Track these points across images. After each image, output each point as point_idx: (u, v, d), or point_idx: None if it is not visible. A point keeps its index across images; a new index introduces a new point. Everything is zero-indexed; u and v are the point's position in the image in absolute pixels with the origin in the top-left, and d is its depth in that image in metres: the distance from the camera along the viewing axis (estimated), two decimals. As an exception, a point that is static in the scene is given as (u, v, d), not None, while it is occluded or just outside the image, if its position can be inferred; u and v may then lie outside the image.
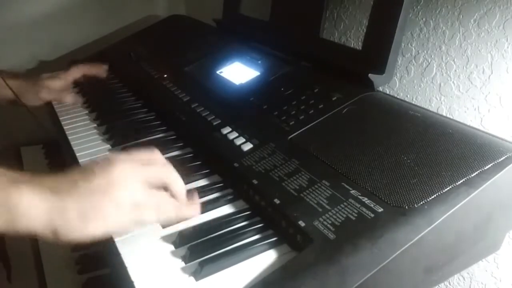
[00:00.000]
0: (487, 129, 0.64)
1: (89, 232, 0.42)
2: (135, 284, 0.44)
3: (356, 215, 0.45)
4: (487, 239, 0.54)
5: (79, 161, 0.68)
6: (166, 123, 0.77)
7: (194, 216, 0.51)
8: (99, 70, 0.98)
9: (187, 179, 0.60)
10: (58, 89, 0.92)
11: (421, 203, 0.45)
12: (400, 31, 0.63)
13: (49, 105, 0.93)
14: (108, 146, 0.72)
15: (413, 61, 0.74)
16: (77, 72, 0.95)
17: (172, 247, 0.49)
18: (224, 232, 0.50)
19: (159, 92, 0.85)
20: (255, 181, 0.54)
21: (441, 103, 0.71)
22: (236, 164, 0.58)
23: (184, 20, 1.20)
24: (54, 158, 1.08)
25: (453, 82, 0.69)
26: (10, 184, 0.40)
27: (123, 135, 0.74)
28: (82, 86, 0.98)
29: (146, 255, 0.48)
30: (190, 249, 0.47)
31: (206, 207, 0.54)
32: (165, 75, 0.89)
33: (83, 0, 1.22)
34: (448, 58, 0.69)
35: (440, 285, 0.75)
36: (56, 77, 0.93)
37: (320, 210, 0.47)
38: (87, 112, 0.87)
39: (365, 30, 0.70)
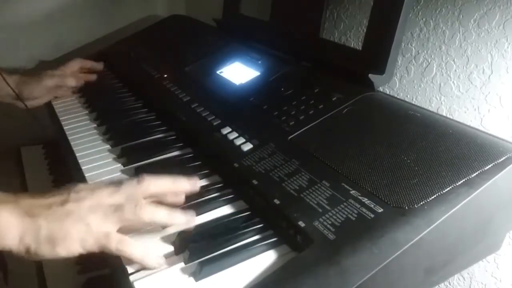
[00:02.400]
0: (487, 129, 0.64)
1: (57, 253, 0.45)
2: (135, 284, 0.44)
3: (356, 215, 0.45)
4: (487, 239, 0.54)
5: (79, 161, 0.68)
6: (166, 123, 0.77)
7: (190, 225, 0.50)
8: (95, 64, 1.01)
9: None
10: (54, 86, 0.94)
11: (421, 203, 0.45)
12: (400, 31, 0.63)
13: (49, 105, 0.93)
14: (108, 146, 0.72)
15: (413, 61, 0.74)
16: (74, 65, 0.97)
17: (172, 248, 0.49)
18: (224, 233, 0.50)
19: (159, 92, 0.85)
20: (255, 182, 0.54)
21: (441, 103, 0.71)
22: (236, 164, 0.58)
23: (184, 20, 1.20)
24: (54, 158, 1.08)
25: (453, 82, 0.68)
26: None
27: (123, 135, 0.74)
28: (82, 87, 0.98)
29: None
30: (190, 250, 0.47)
31: (206, 207, 0.54)
32: (165, 75, 0.89)
33: (83, 0, 1.22)
34: (448, 58, 0.69)
35: (440, 285, 0.75)
36: (54, 76, 0.94)
37: (320, 210, 0.47)
38: (87, 112, 0.87)
39: (365, 30, 0.70)
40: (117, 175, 0.64)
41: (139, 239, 0.50)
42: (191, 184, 0.53)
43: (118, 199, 0.47)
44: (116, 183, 0.49)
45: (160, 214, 0.48)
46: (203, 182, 0.60)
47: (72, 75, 0.96)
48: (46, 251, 0.44)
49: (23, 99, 0.91)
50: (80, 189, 0.48)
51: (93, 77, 0.99)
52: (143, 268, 0.46)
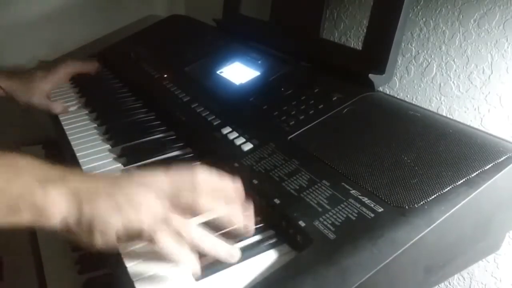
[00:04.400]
0: (487, 129, 0.64)
1: (94, 243, 0.43)
2: (135, 284, 0.44)
3: (356, 215, 0.45)
4: (487, 239, 0.54)
5: (79, 161, 0.67)
6: (166, 123, 0.77)
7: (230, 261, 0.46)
8: (90, 67, 0.99)
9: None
10: (50, 91, 0.93)
11: (421, 203, 0.45)
12: (400, 31, 0.63)
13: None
14: (108, 146, 0.72)
15: (413, 61, 0.74)
16: (67, 71, 0.96)
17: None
18: (224, 233, 0.50)
19: (159, 92, 0.85)
20: (255, 181, 0.54)
21: (441, 103, 0.71)
22: (236, 164, 0.58)
23: (184, 20, 1.20)
24: (54, 158, 1.08)
25: (453, 82, 0.69)
26: (38, 184, 0.43)
27: (123, 135, 0.74)
28: (82, 87, 0.98)
29: (145, 255, 0.48)
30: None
31: (206, 207, 0.54)
32: (165, 75, 0.89)
33: (83, 0, 1.22)
34: (448, 58, 0.69)
35: (440, 285, 0.75)
36: (48, 78, 0.92)
37: (320, 210, 0.47)
38: (87, 112, 0.87)
39: (365, 30, 0.70)
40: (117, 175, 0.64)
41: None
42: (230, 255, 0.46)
43: (168, 206, 0.45)
44: (174, 184, 0.46)
45: (219, 208, 0.46)
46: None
47: (66, 79, 0.96)
48: (83, 237, 0.43)
49: (18, 100, 0.90)
50: (133, 180, 0.46)
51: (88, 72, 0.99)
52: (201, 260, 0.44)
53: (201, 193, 0.45)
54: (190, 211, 0.46)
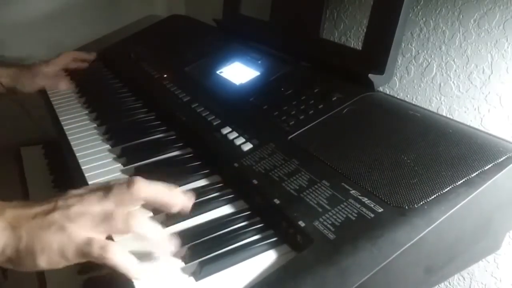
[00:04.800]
0: (487, 129, 0.64)
1: (37, 265, 0.43)
2: (135, 284, 0.44)
3: (356, 215, 0.45)
4: (487, 239, 0.54)
5: (79, 161, 0.67)
6: (166, 123, 0.77)
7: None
8: (87, 56, 1.04)
9: (187, 179, 0.61)
10: (52, 74, 0.98)
11: (421, 203, 0.45)
12: (400, 31, 0.63)
13: (49, 105, 0.93)
14: (108, 146, 0.72)
15: (413, 61, 0.74)
16: (67, 57, 1.01)
17: (173, 238, 0.49)
18: (224, 232, 0.50)
19: (159, 92, 0.85)
20: (255, 181, 0.54)
21: (441, 103, 0.71)
22: (236, 164, 0.58)
23: (184, 20, 1.20)
24: (54, 158, 1.08)
25: (453, 82, 0.68)
26: None
27: (123, 135, 0.74)
28: (82, 87, 0.98)
29: (145, 255, 0.48)
30: (190, 249, 0.47)
31: (206, 207, 0.54)
32: (165, 75, 0.89)
33: (83, 0, 1.22)
34: (448, 58, 0.69)
35: (440, 285, 0.75)
36: (48, 63, 0.99)
37: (320, 210, 0.47)
38: (87, 112, 0.87)
39: (365, 30, 0.70)
40: (117, 175, 0.64)
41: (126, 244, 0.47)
42: (186, 199, 0.48)
43: (107, 206, 0.44)
44: (106, 187, 0.46)
45: (152, 230, 0.45)
46: (203, 182, 0.60)
47: (62, 76, 1.00)
48: (27, 263, 0.42)
49: (20, 90, 0.94)
50: (69, 196, 0.45)
51: (84, 65, 1.03)
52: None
53: (133, 216, 0.44)
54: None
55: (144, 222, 0.44)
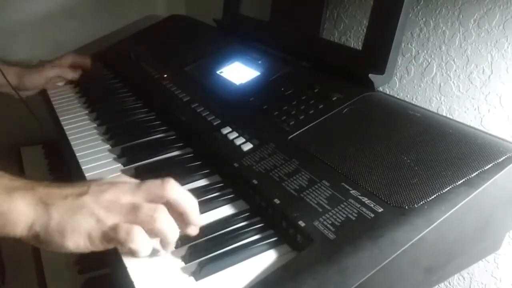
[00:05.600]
0: (487, 129, 0.64)
1: (65, 245, 0.43)
2: (135, 284, 0.44)
3: (356, 215, 0.45)
4: (487, 239, 0.54)
5: (79, 161, 0.67)
6: (166, 123, 0.77)
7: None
8: (85, 61, 1.05)
9: (187, 179, 0.61)
10: (55, 74, 1.00)
11: (421, 203, 0.45)
12: (400, 31, 0.63)
13: (49, 105, 0.93)
14: (108, 146, 0.72)
15: (413, 61, 0.74)
16: (69, 59, 1.03)
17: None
18: (224, 232, 0.50)
19: (159, 92, 0.85)
20: (255, 181, 0.54)
21: (441, 103, 0.71)
22: (236, 164, 0.58)
23: (184, 20, 1.20)
24: (54, 158, 1.08)
25: (453, 82, 0.69)
26: (4, 191, 0.43)
27: (123, 135, 0.74)
28: (82, 87, 0.98)
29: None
30: (190, 249, 0.47)
31: (206, 207, 0.54)
32: (165, 75, 0.89)
33: (83, 0, 1.22)
34: (448, 58, 0.69)
35: (440, 285, 0.75)
36: (52, 62, 1.01)
37: (320, 210, 0.47)
38: (87, 112, 0.87)
39: (365, 30, 0.70)
40: (117, 175, 0.64)
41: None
42: (199, 221, 0.49)
43: (137, 198, 0.45)
44: (139, 181, 0.47)
45: (173, 230, 0.46)
46: (203, 182, 0.60)
47: (69, 68, 1.02)
48: (54, 242, 0.43)
49: (24, 88, 0.95)
50: (102, 182, 0.47)
51: (81, 69, 1.04)
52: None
53: (160, 212, 0.45)
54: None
55: (167, 220, 0.45)
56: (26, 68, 0.97)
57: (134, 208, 0.44)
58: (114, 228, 0.43)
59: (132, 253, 0.44)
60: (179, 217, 0.48)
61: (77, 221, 0.43)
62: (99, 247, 0.44)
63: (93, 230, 0.43)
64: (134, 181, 0.48)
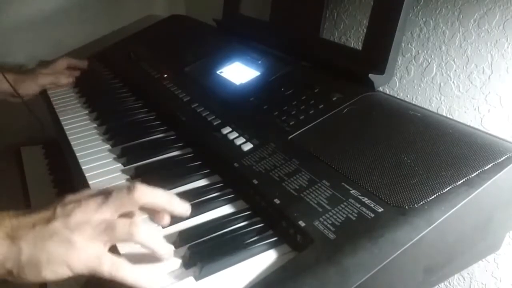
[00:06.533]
0: (487, 129, 0.64)
1: (43, 277, 0.42)
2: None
3: (356, 215, 0.45)
4: (487, 239, 0.54)
5: (79, 161, 0.67)
6: (166, 123, 0.77)
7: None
8: (80, 62, 1.05)
9: (187, 179, 0.61)
10: (51, 76, 0.99)
11: (421, 203, 0.45)
12: (400, 31, 0.63)
13: (49, 105, 0.93)
14: (108, 146, 0.72)
15: (413, 61, 0.74)
16: (63, 63, 1.02)
17: (172, 247, 0.49)
18: (224, 232, 0.50)
19: (159, 92, 0.85)
20: (255, 181, 0.54)
21: (441, 103, 0.71)
22: (236, 164, 0.58)
23: (184, 20, 1.20)
24: (54, 158, 1.08)
25: (453, 82, 0.69)
26: None
27: (123, 135, 0.74)
28: (82, 87, 0.98)
29: (145, 256, 0.48)
30: (190, 249, 0.47)
31: (206, 207, 0.54)
32: (165, 75, 0.89)
33: (83, 0, 1.22)
34: (448, 58, 0.69)
35: (440, 285, 0.75)
36: (47, 67, 1.01)
37: (320, 210, 0.47)
38: (87, 112, 0.87)
39: (365, 30, 0.70)
40: (117, 175, 0.64)
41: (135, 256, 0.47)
42: (184, 206, 0.49)
43: (107, 213, 0.44)
44: (106, 193, 0.45)
45: (156, 239, 0.44)
46: (203, 182, 0.60)
47: (63, 72, 1.01)
48: (30, 276, 0.41)
49: (19, 95, 0.94)
50: (67, 202, 0.44)
51: (77, 73, 1.04)
52: None
53: (136, 225, 0.43)
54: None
55: (145, 230, 0.44)
56: (21, 75, 0.96)
57: (108, 227, 0.43)
58: (98, 259, 0.42)
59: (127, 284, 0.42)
60: (161, 213, 0.47)
61: (50, 250, 0.41)
62: (80, 274, 0.43)
63: (72, 258, 0.41)
64: (99, 195, 0.45)
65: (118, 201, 0.44)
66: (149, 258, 0.46)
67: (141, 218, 0.46)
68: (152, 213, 0.50)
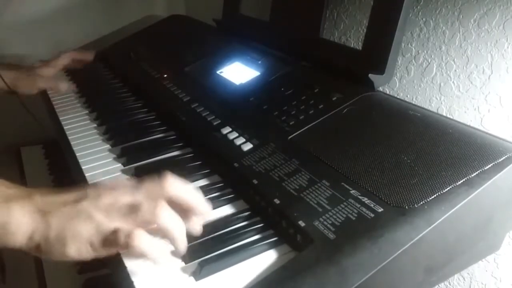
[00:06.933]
0: (487, 129, 0.64)
1: (66, 253, 0.42)
2: (135, 284, 0.44)
3: (356, 215, 0.45)
4: (487, 239, 0.54)
5: (79, 161, 0.67)
6: (166, 123, 0.77)
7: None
8: (86, 55, 1.04)
9: (187, 179, 0.61)
10: (52, 76, 0.98)
11: (421, 203, 0.45)
12: (400, 31, 0.63)
13: (49, 105, 0.93)
14: (108, 146, 0.72)
15: (413, 61, 0.74)
16: (66, 58, 1.01)
17: (172, 247, 0.49)
18: (224, 232, 0.50)
19: (159, 92, 0.85)
20: (255, 181, 0.54)
21: (441, 103, 0.71)
22: (236, 164, 0.58)
23: (184, 20, 1.20)
24: (54, 158, 1.08)
25: (453, 82, 0.69)
26: (2, 201, 0.43)
27: (123, 135, 0.74)
28: (82, 87, 0.98)
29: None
30: (190, 249, 0.47)
31: (206, 207, 0.54)
32: (165, 75, 0.89)
33: (83, 0, 1.23)
34: (448, 58, 0.69)
35: (440, 285, 0.75)
36: (48, 65, 0.99)
37: (320, 210, 0.47)
38: (87, 112, 0.87)
39: (365, 30, 0.70)
40: (117, 175, 0.64)
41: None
42: (208, 208, 0.48)
43: (137, 198, 0.44)
44: (137, 182, 0.46)
45: (178, 224, 0.44)
46: (203, 182, 0.60)
47: (63, 76, 1.01)
48: (56, 251, 0.42)
49: (17, 94, 0.94)
50: (100, 187, 0.46)
51: (83, 65, 1.03)
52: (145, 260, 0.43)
53: (162, 207, 0.44)
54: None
55: (170, 215, 0.44)
56: (20, 74, 0.95)
57: (134, 208, 0.44)
58: (114, 232, 0.42)
59: (142, 255, 0.43)
60: (185, 212, 0.47)
61: (77, 228, 0.42)
62: (101, 253, 0.43)
63: (93, 235, 0.42)
64: (132, 182, 0.47)
65: (148, 188, 0.45)
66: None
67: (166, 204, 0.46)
68: (179, 212, 0.50)
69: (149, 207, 0.44)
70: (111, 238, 0.42)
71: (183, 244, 0.45)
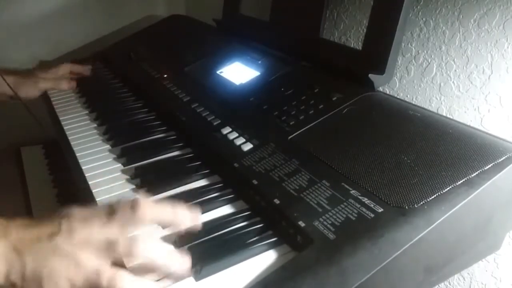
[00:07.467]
0: (487, 129, 0.64)
1: None
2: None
3: (356, 215, 0.45)
4: (487, 239, 0.54)
5: (79, 161, 0.67)
6: (166, 123, 0.77)
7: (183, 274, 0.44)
8: (84, 69, 1.05)
9: (187, 179, 0.61)
10: (52, 80, 0.99)
11: (421, 203, 0.45)
12: (400, 31, 0.63)
13: (49, 105, 0.93)
14: (108, 146, 0.72)
15: (413, 61, 0.74)
16: (65, 69, 1.02)
17: (172, 248, 0.49)
18: (224, 232, 0.50)
19: (159, 92, 0.85)
20: (255, 181, 0.54)
21: (441, 103, 0.71)
22: (236, 164, 0.58)
23: (184, 20, 1.20)
24: (54, 158, 1.08)
25: (453, 82, 0.69)
26: None
27: (123, 135, 0.74)
28: (82, 87, 0.98)
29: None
30: (190, 249, 0.47)
31: (206, 207, 0.54)
32: (165, 75, 0.89)
33: (83, 0, 1.23)
34: (448, 58, 0.69)
35: (440, 285, 0.75)
36: (47, 72, 1.00)
37: (320, 210, 0.47)
38: (87, 112, 0.87)
39: (365, 30, 0.70)
40: (117, 175, 0.64)
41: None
42: (193, 216, 0.47)
43: (111, 232, 0.43)
44: (110, 210, 0.44)
45: (160, 255, 0.43)
46: (203, 182, 0.60)
47: (64, 77, 1.01)
48: None
49: (19, 98, 0.94)
50: (72, 218, 0.44)
51: (79, 76, 1.03)
52: None
53: (138, 242, 0.42)
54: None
55: (150, 246, 0.43)
56: (21, 78, 0.96)
57: (110, 245, 0.42)
58: (97, 274, 0.41)
59: None
60: (171, 220, 0.46)
61: (53, 266, 0.41)
62: (83, 287, 0.42)
63: (73, 274, 0.41)
64: (105, 211, 0.45)
65: (122, 219, 0.44)
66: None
67: (148, 233, 0.45)
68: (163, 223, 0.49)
69: (125, 244, 0.42)
70: (93, 280, 0.41)
71: (176, 265, 0.44)
